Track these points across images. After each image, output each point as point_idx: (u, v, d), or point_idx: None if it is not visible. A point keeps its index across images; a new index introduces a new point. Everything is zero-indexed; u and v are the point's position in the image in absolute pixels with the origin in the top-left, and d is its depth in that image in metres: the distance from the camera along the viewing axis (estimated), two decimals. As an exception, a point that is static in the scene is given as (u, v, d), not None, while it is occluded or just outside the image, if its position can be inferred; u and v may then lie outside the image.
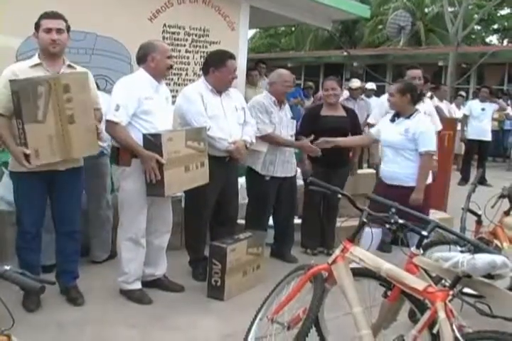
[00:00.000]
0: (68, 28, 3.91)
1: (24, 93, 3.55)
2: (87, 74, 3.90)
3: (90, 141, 3.88)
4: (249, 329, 3.44)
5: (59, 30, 3.81)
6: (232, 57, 4.70)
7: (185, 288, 4.49)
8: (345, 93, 9.24)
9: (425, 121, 4.76)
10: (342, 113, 5.60)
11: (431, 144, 4.69)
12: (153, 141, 3.89)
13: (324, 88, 5.63)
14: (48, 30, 3.78)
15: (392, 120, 4.82)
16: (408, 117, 4.71)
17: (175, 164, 3.99)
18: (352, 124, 5.60)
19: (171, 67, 4.30)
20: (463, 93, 14.02)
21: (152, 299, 4.27)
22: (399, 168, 4.71)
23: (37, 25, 3.83)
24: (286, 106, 5.35)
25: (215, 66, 4.64)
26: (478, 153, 11.04)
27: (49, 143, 3.66)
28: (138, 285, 4.30)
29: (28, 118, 3.57)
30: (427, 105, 6.07)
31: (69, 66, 3.96)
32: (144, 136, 3.97)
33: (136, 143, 3.99)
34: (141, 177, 4.04)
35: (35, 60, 3.87)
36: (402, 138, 4.68)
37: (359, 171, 6.58)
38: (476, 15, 21.44)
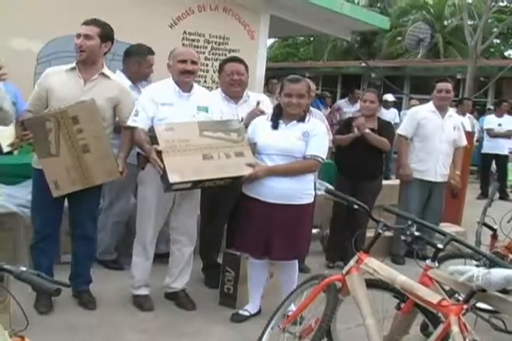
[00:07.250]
0: (107, 36, 3.89)
1: (34, 130, 3.69)
2: (94, 101, 3.79)
3: (109, 167, 3.89)
4: (260, 338, 3.42)
5: (86, 36, 3.81)
6: (231, 60, 4.69)
7: (197, 294, 4.46)
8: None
9: None
10: (373, 126, 5.47)
11: None
12: (151, 135, 3.87)
13: (363, 99, 5.59)
14: (78, 36, 3.80)
15: None
16: None
17: (183, 152, 3.84)
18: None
19: (186, 71, 4.03)
20: (491, 106, 13.85)
21: (164, 305, 4.26)
22: None
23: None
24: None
25: (219, 72, 4.71)
26: (497, 167, 10.96)
27: (67, 174, 3.77)
28: (143, 291, 4.26)
29: (42, 154, 3.74)
30: (456, 119, 6.05)
31: (102, 75, 3.94)
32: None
33: (146, 143, 3.88)
34: (151, 183, 4.03)
35: (73, 63, 3.91)
36: None
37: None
38: (495, 29, 21.35)
